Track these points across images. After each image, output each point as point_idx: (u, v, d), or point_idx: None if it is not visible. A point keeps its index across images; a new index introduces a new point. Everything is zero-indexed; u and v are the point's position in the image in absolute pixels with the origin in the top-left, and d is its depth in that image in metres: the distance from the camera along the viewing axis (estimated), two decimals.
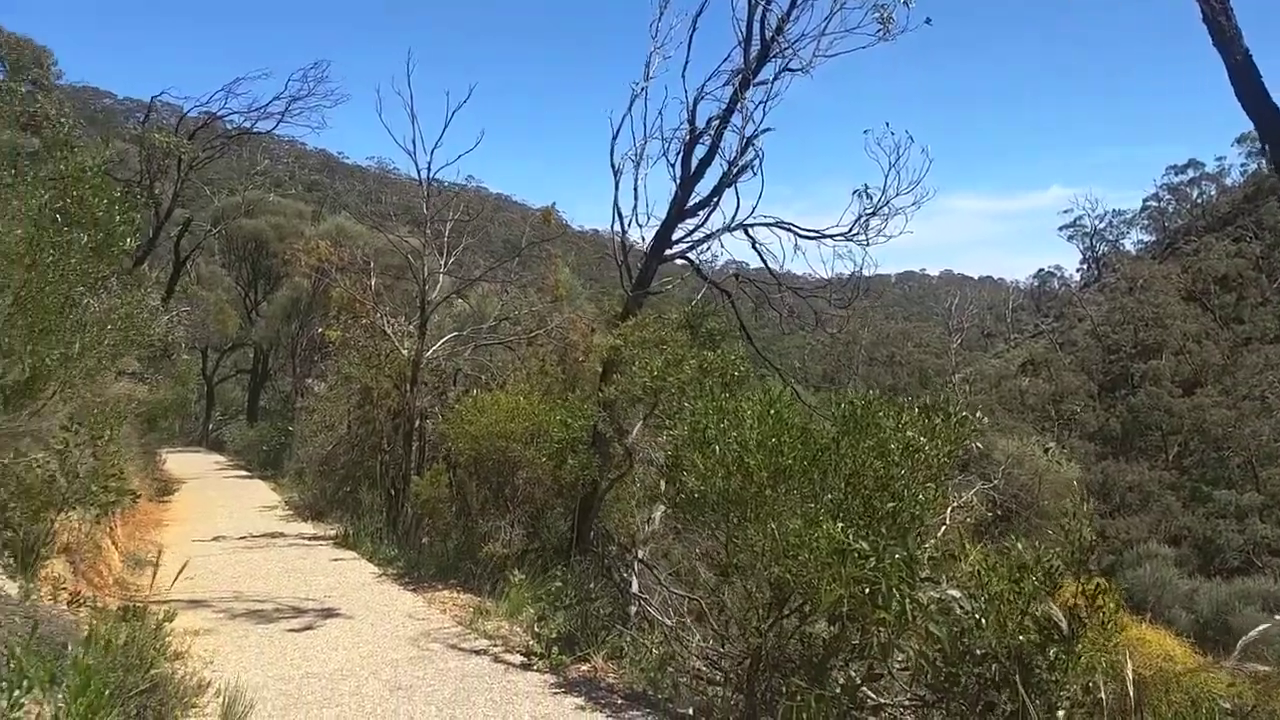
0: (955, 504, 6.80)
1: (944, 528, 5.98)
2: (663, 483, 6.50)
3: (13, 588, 5.08)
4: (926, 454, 5.72)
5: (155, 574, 4.93)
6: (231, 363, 38.04)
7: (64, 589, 6.27)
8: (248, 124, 25.63)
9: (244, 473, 22.34)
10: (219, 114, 25.11)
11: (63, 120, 21.04)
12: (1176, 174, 73.45)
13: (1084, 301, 65.07)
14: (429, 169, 12.87)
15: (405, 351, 13.10)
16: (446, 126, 12.69)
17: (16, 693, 2.25)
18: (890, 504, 4.98)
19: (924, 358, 62.58)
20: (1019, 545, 4.74)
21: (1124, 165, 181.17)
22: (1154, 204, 75.36)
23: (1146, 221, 75.80)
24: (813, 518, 5.06)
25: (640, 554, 7.20)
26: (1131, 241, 76.79)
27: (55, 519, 5.79)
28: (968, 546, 5.28)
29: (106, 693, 2.33)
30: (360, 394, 14.76)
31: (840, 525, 4.79)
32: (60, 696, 2.30)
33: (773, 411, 5.61)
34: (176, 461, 20.78)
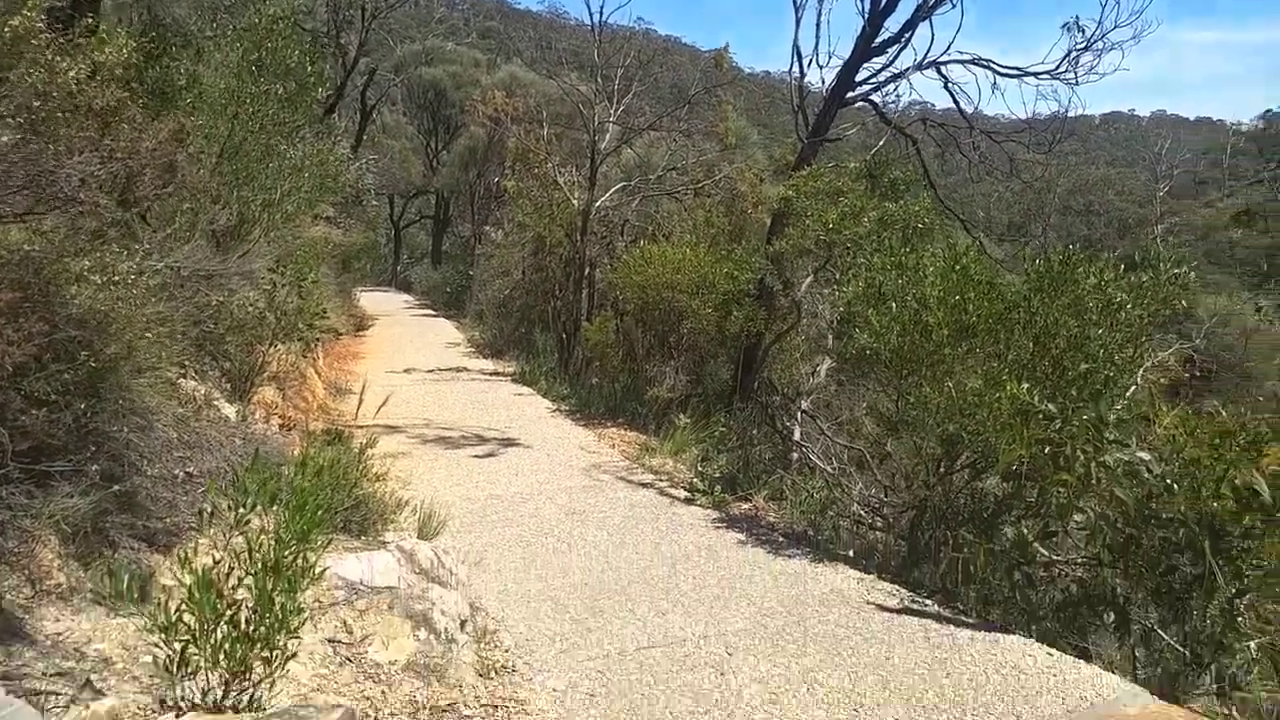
0: (1150, 364, 6.30)
1: (1135, 388, 5.60)
2: (830, 338, 6.39)
3: (231, 411, 5.71)
4: (1128, 313, 5.28)
5: (360, 404, 5.42)
6: (415, 209, 39.94)
7: (275, 414, 7.04)
8: None
9: (430, 312, 23.85)
10: None
11: None
12: None
13: None
14: (601, 13, 12.55)
15: (575, 202, 13.27)
16: None
17: (242, 510, 2.55)
18: (1083, 365, 4.65)
19: (1125, 206, 56.72)
20: (1223, 410, 4.38)
21: None
22: None
23: None
24: (995, 377, 4.84)
25: (804, 404, 7.20)
26: None
27: (266, 351, 6.43)
28: (1162, 409, 4.90)
29: (320, 511, 2.60)
30: (534, 242, 15.21)
31: (1026, 386, 4.57)
32: (281, 513, 2.58)
33: (957, 267, 5.29)
34: (369, 299, 22.35)
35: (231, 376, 6.32)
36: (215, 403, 5.76)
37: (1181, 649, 3.73)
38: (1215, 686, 3.53)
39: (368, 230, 22.82)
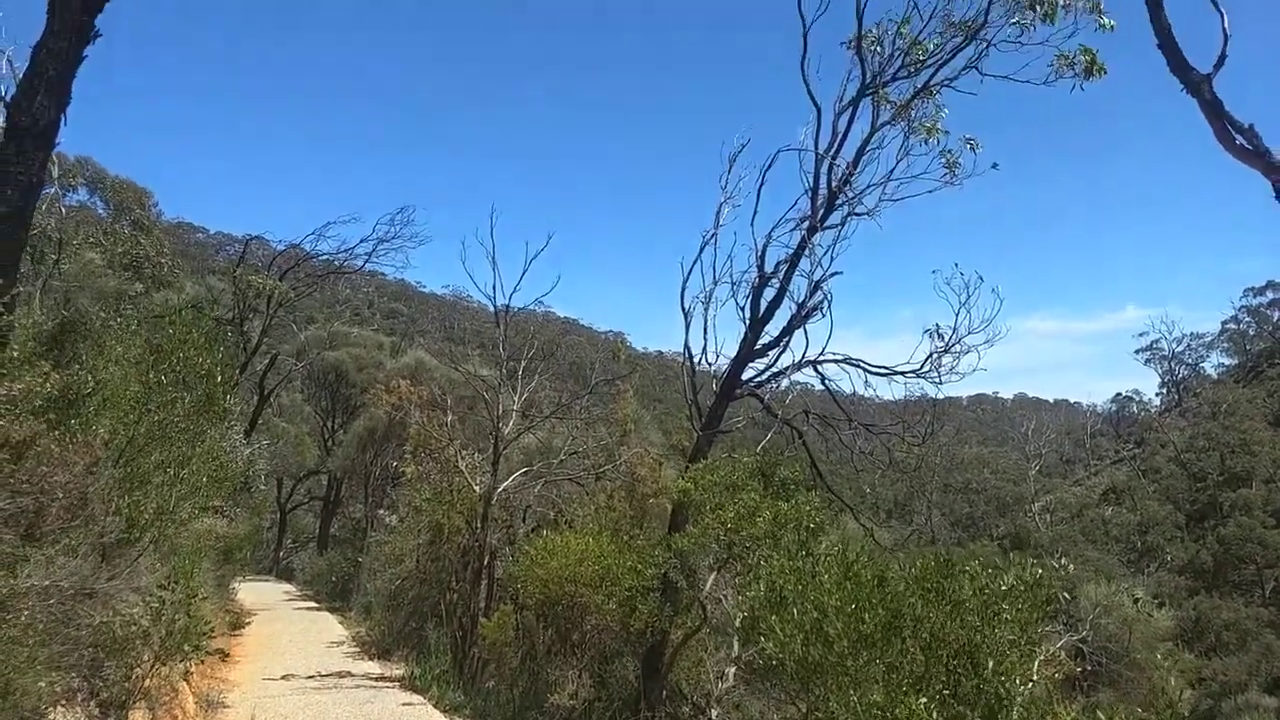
0: (1042, 657, 6.51)
1: (1031, 684, 5.73)
2: (737, 643, 6.40)
3: None
4: (1008, 614, 5.54)
5: None
6: (305, 490, 38.80)
7: None
8: (336, 263, 27.31)
9: (312, 604, 22.44)
10: (310, 254, 26.84)
11: (162, 261, 22.61)
12: (1255, 295, 72.24)
13: (1165, 427, 63.07)
14: (507, 310, 13.44)
15: (477, 487, 13.31)
16: (525, 273, 13.31)
17: None
18: (974, 681, 4.80)
19: (1001, 485, 60.74)
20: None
21: (1202, 284, 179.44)
22: (1233, 326, 73.94)
23: (1227, 344, 74.42)
24: (895, 689, 4.93)
25: (714, 715, 7.01)
26: (1212, 365, 75.57)
27: (147, 673, 5.96)
28: (1059, 712, 5.04)
29: None
30: (431, 529, 14.92)
31: (924, 700, 4.66)
32: None
33: (850, 575, 5.55)
34: (248, 591, 20.97)
35: (103, 702, 5.77)
36: None
37: None
38: None
39: (253, 518, 21.91)
